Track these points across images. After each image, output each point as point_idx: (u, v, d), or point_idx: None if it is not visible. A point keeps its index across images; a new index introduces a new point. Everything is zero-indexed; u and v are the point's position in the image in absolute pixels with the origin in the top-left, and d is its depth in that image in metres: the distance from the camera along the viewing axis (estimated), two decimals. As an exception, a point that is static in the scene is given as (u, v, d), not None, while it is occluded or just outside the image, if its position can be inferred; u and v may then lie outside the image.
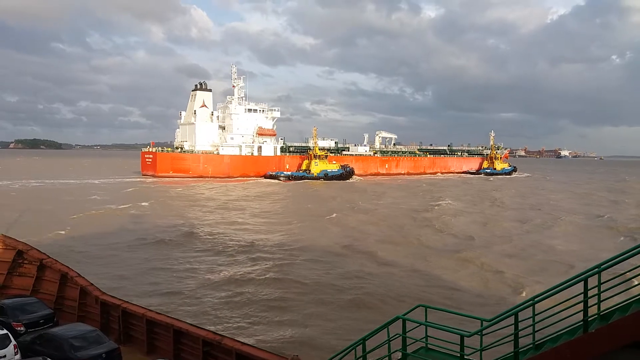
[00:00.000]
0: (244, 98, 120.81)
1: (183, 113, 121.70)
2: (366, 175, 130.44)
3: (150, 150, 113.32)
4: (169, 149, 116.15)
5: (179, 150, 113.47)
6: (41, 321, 16.30)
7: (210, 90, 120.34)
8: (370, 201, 69.45)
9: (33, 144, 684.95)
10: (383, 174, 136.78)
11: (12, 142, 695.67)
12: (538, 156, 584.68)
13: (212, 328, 16.93)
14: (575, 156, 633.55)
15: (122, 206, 57.55)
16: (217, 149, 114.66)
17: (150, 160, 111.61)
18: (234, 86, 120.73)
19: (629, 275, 6.79)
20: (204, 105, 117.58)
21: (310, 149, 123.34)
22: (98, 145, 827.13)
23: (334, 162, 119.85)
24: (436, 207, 60.80)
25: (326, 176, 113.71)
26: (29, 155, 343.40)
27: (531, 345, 7.98)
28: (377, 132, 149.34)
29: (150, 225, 44.58)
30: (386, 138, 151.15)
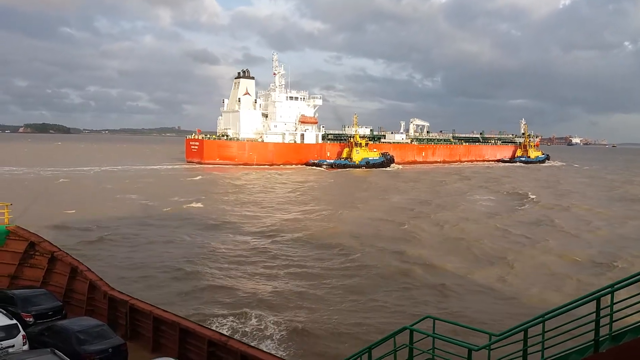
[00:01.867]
0: (284, 86, 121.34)
1: (226, 101, 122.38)
2: (403, 163, 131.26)
3: (197, 137, 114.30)
4: (214, 136, 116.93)
5: (225, 137, 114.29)
6: (50, 313, 16.31)
7: (253, 78, 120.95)
8: (437, 194, 67.98)
9: (42, 129, 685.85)
10: (420, 162, 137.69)
11: (21, 127, 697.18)
12: (549, 143, 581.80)
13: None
14: (586, 144, 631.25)
15: (192, 203, 54.08)
16: (261, 137, 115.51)
17: (197, 147, 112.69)
18: (274, 73, 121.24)
19: None
20: (247, 93, 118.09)
21: (350, 137, 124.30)
22: (106, 130, 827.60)
23: (375, 150, 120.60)
24: (524, 202, 58.15)
25: (368, 164, 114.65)
26: (42, 140, 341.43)
27: None
28: (411, 120, 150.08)
29: (259, 226, 41.51)
30: (419, 125, 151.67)
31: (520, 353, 7.97)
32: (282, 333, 19.61)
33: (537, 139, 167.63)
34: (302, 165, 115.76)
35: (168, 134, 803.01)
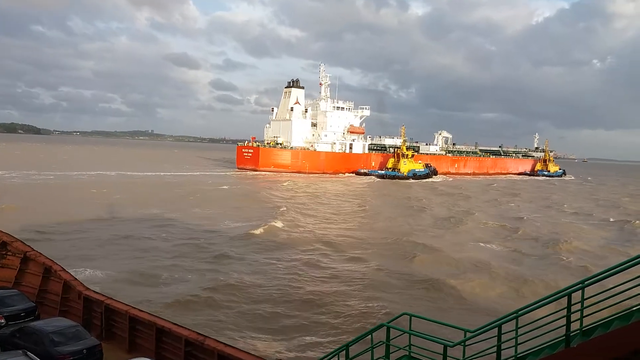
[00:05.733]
0: (329, 96, 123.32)
1: (275, 109, 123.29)
2: (440, 174, 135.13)
3: (251, 145, 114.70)
4: (266, 144, 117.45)
5: (280, 146, 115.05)
6: (22, 314, 15.93)
7: (303, 88, 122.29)
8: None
9: (10, 128, 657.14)
10: (453, 173, 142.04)
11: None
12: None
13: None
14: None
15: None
16: (311, 145, 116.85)
17: (250, 154, 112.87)
18: (320, 84, 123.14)
19: (613, 292, 6.86)
20: (297, 102, 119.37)
21: (389, 147, 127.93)
22: (77, 132, 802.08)
23: (419, 161, 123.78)
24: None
25: (415, 175, 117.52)
26: (19, 140, 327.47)
27: (513, 358, 7.96)
28: (439, 132, 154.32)
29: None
30: (445, 137, 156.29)
31: (495, 349, 8.07)
32: None
33: (552, 154, 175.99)
34: (350, 174, 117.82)
35: (141, 137, 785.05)
